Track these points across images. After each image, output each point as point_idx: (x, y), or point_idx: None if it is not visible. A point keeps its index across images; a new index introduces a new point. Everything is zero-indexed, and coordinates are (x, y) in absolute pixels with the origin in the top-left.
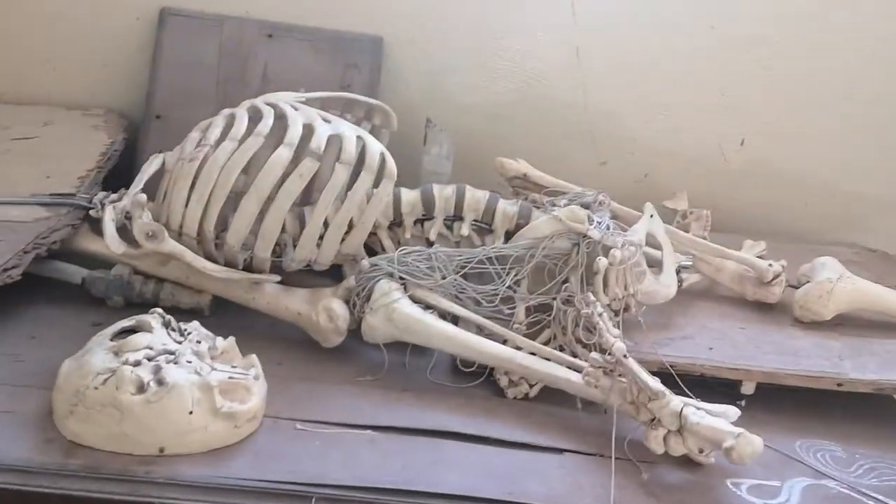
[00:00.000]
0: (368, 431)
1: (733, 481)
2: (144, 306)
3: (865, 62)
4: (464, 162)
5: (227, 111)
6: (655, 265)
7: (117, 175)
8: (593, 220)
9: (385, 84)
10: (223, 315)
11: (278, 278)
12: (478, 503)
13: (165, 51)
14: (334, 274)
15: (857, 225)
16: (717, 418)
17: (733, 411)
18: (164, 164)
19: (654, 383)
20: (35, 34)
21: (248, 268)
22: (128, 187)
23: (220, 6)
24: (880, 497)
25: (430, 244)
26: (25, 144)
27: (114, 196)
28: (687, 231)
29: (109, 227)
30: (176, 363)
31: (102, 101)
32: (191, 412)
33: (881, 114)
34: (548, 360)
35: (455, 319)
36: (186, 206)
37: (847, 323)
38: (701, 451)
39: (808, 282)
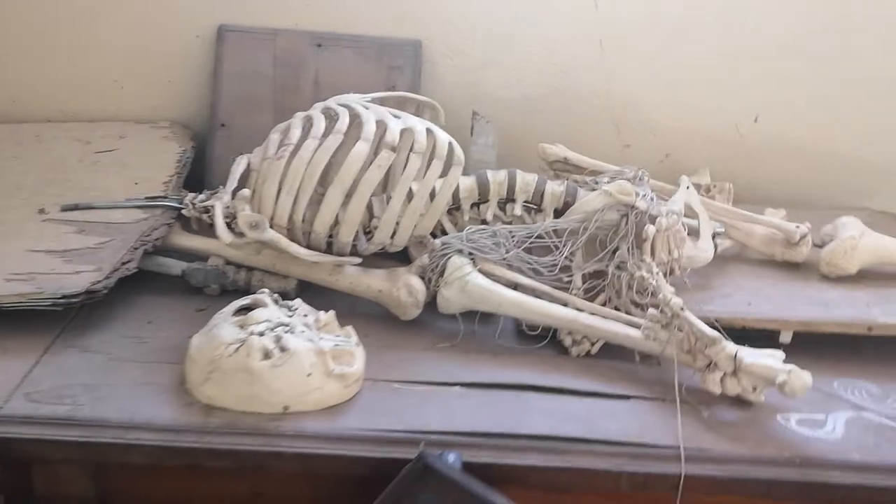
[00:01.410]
0: (457, 388)
1: (783, 416)
2: (237, 293)
3: (866, 35)
4: (505, 151)
5: (301, 114)
6: (693, 233)
7: (192, 179)
8: (638, 193)
9: (425, 83)
10: (307, 297)
11: (359, 260)
12: (563, 441)
13: (225, 64)
14: (399, 257)
15: (867, 190)
16: (767, 359)
17: (780, 354)
18: (248, 164)
19: (710, 331)
20: (104, 57)
21: (330, 253)
22: (201, 190)
23: (272, 20)
24: None
25: (485, 224)
26: (108, 156)
27: (201, 196)
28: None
29: (220, 220)
30: (292, 333)
31: (167, 115)
32: (309, 374)
33: (883, 83)
34: (606, 319)
35: (519, 288)
36: (277, 199)
37: (870, 276)
38: (754, 390)
39: (831, 240)
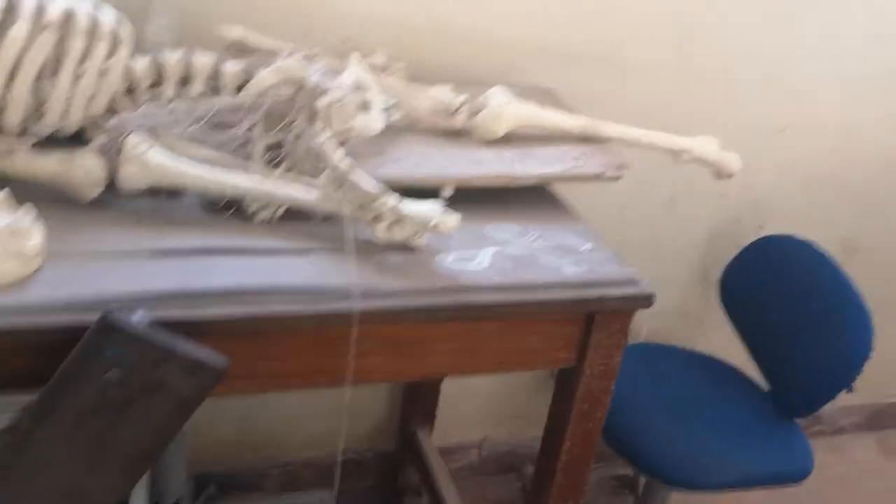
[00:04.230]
0: (145, 256)
1: (441, 256)
2: None
3: None
4: (183, 32)
5: None
6: (366, 105)
7: None
8: (311, 69)
9: None
10: None
11: (31, 143)
12: (247, 294)
13: None
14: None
15: (521, 69)
16: (424, 206)
17: (437, 203)
18: None
19: (373, 186)
20: None
21: None
22: None
23: None
24: (545, 251)
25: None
26: None
27: None
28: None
29: None
30: None
31: None
32: None
33: None
34: (287, 185)
35: (201, 162)
36: None
37: (515, 137)
38: (416, 235)
39: (484, 108)
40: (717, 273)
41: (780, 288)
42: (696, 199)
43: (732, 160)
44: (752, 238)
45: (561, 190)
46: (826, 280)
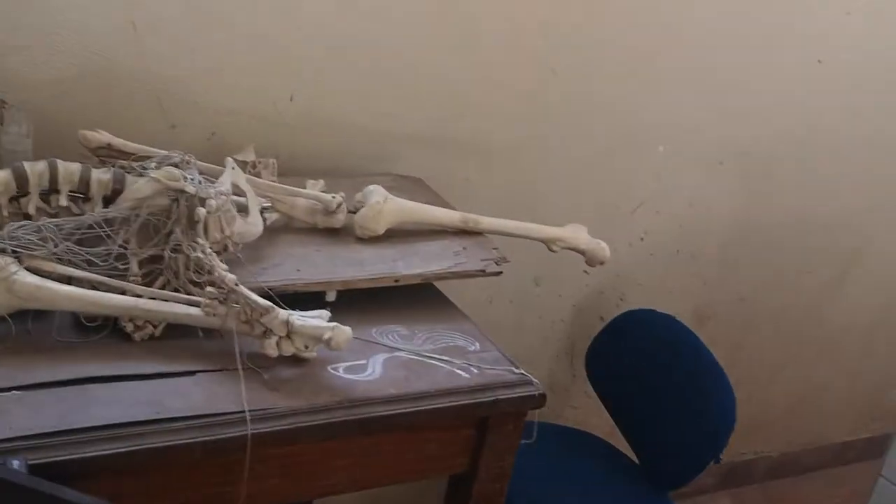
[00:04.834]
0: (14, 392)
1: (333, 366)
2: None
3: (387, 12)
4: (42, 139)
5: None
6: (243, 210)
7: None
8: (186, 177)
9: None
10: None
11: None
12: (133, 426)
13: None
14: None
15: (391, 157)
16: (315, 320)
17: (325, 314)
18: None
19: (263, 301)
20: None
21: None
22: None
23: None
24: (435, 355)
25: (29, 219)
26: None
27: None
28: (259, 178)
29: None
30: None
31: None
32: None
33: (404, 63)
34: (166, 301)
35: (72, 281)
36: None
37: (395, 234)
38: (306, 348)
39: (362, 206)
40: (583, 346)
41: (644, 361)
42: (559, 277)
43: (602, 248)
44: (615, 311)
45: None
46: (688, 353)
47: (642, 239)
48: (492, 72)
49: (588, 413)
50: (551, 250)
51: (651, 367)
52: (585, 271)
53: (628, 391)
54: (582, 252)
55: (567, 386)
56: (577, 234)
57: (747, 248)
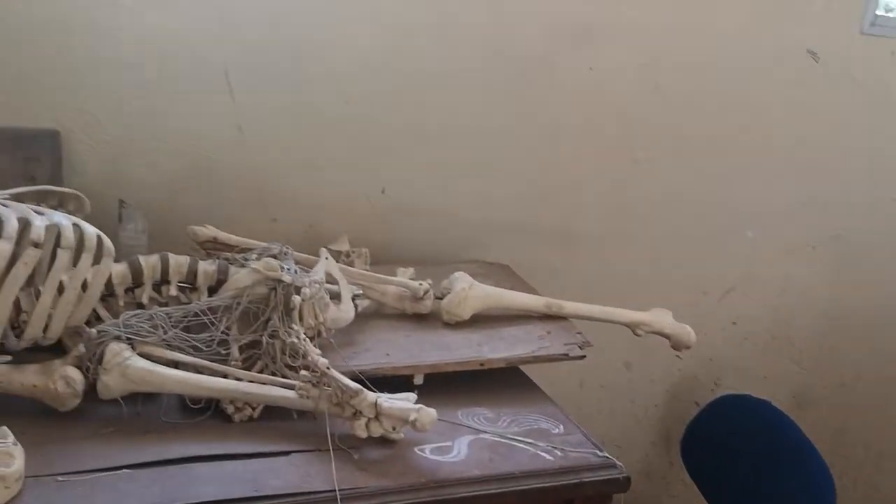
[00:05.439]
0: (124, 470)
1: (420, 448)
2: None
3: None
4: (156, 234)
5: None
6: (335, 297)
7: None
8: (283, 267)
9: (67, 173)
10: None
11: (9, 358)
12: (233, 503)
13: None
14: (52, 350)
15: (479, 245)
16: (401, 402)
17: (412, 396)
18: None
19: (353, 384)
20: None
21: None
22: None
23: None
24: (520, 438)
25: (142, 308)
26: None
27: None
28: (352, 267)
29: None
30: None
31: None
32: None
33: (491, 154)
34: (264, 384)
35: (180, 366)
36: None
37: (481, 319)
38: (394, 429)
39: (448, 293)
40: (679, 432)
41: (741, 447)
42: (650, 361)
43: (687, 332)
44: (710, 395)
45: None
46: (786, 439)
47: (734, 324)
48: (576, 162)
49: (687, 502)
50: (636, 334)
51: (748, 453)
52: (678, 356)
53: (725, 478)
54: (667, 336)
55: (664, 473)
56: (661, 318)
57: (845, 331)
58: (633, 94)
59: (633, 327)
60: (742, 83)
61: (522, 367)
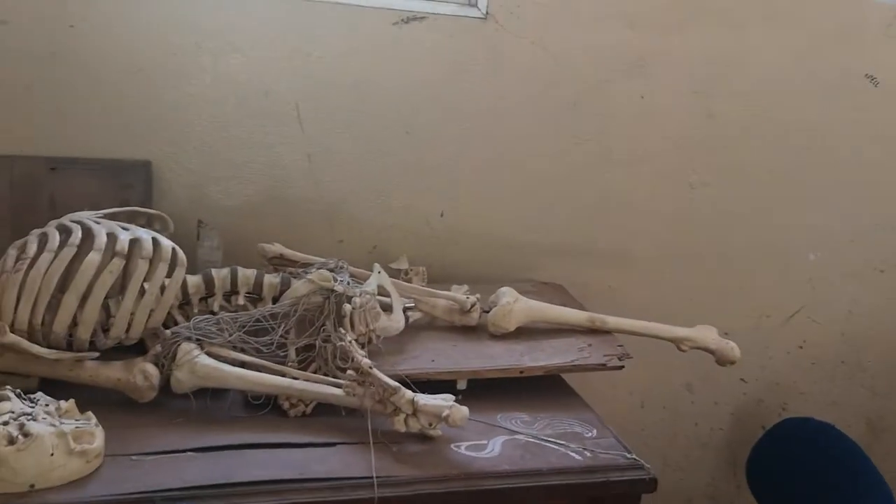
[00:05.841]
0: (189, 453)
1: (456, 444)
2: None
3: (527, 134)
4: (231, 251)
5: (37, 231)
6: (387, 308)
7: None
8: (337, 279)
9: (156, 198)
10: (53, 393)
11: (97, 355)
12: (280, 484)
13: None
14: (136, 349)
15: (534, 266)
16: (437, 400)
17: (450, 397)
18: None
19: (392, 382)
20: None
21: (70, 350)
22: None
23: (8, 148)
24: (552, 439)
25: (213, 314)
26: None
27: None
28: (410, 283)
29: None
30: (35, 420)
31: None
32: (52, 454)
33: (538, 184)
34: (316, 383)
35: (243, 365)
36: (16, 307)
37: (525, 332)
38: (431, 426)
39: (495, 306)
40: (744, 456)
41: (806, 471)
42: (713, 384)
43: (731, 348)
44: (777, 419)
45: (576, 380)
46: (850, 464)
47: (801, 347)
48: (630, 187)
49: None
50: (680, 349)
51: (813, 478)
52: (742, 379)
53: (792, 503)
54: (711, 351)
55: (732, 498)
56: (705, 334)
57: None
58: (685, 120)
59: (677, 343)
60: (800, 109)
61: (567, 379)
